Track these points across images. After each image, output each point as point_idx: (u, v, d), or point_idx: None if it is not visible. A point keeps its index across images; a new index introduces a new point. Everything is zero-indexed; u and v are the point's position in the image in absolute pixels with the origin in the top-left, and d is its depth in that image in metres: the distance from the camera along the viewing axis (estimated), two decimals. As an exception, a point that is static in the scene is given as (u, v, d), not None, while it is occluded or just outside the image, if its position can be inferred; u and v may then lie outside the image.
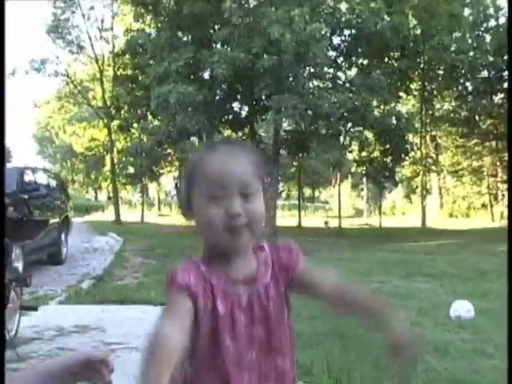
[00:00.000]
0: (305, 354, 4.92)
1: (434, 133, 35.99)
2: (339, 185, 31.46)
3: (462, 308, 7.08)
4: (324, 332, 6.14)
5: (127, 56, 28.62)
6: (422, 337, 6.03)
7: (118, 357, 5.14)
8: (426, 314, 7.48)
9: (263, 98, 23.15)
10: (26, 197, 10.65)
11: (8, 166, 12.73)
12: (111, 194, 40.62)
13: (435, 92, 31.58)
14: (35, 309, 6.18)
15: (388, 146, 25.69)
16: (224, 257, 1.59)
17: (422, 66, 28.16)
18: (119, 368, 5.10)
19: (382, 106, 26.02)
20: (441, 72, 28.94)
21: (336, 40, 25.61)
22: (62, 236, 14.02)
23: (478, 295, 8.77)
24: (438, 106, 34.40)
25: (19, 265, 6.22)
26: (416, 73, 28.80)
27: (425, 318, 7.26)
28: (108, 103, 30.99)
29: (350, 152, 26.72)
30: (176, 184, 44.54)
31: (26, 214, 10.70)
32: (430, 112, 32.95)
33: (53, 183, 14.77)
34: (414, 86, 30.42)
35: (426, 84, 30.17)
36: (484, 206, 38.36)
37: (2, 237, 1.12)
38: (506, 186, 30.70)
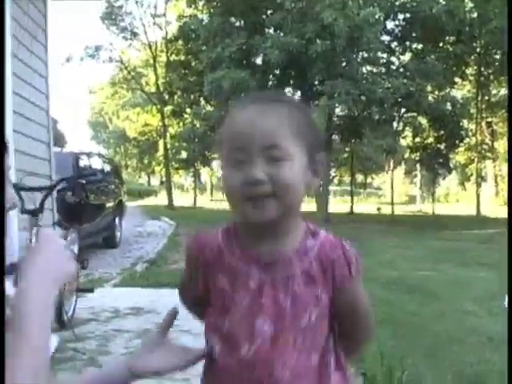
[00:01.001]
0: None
1: (489, 119, 35.24)
2: (392, 171, 31.13)
3: (507, 299, 6.96)
4: (378, 319, 6.11)
5: (180, 42, 28.86)
6: (476, 327, 5.97)
7: (172, 339, 5.24)
8: (480, 304, 7.39)
9: (316, 83, 23.05)
10: (84, 182, 10.86)
11: (64, 151, 13.03)
12: (164, 179, 41.11)
13: (491, 77, 30.81)
14: (91, 291, 6.32)
15: (442, 132, 25.29)
16: (251, 230, 1.38)
17: (478, 50, 27.52)
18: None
19: (436, 92, 25.59)
20: (497, 57, 28.19)
21: (390, 24, 25.30)
22: (117, 220, 14.28)
23: (534, 285, 8.62)
24: (494, 91, 33.62)
25: (74, 248, 6.33)
26: (472, 57, 28.17)
27: (479, 307, 7.17)
28: (161, 89, 31.31)
29: (404, 138, 26.44)
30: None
31: (83, 198, 10.94)
32: (486, 98, 32.23)
33: (107, 168, 15.04)
34: (469, 70, 29.79)
35: (482, 69, 29.49)
36: (541, 193, 37.42)
37: (2, 232, 1.17)
38: None
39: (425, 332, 5.66)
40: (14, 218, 4.93)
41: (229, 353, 1.39)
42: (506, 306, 7.09)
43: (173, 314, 1.57)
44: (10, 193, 1.39)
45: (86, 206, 11.37)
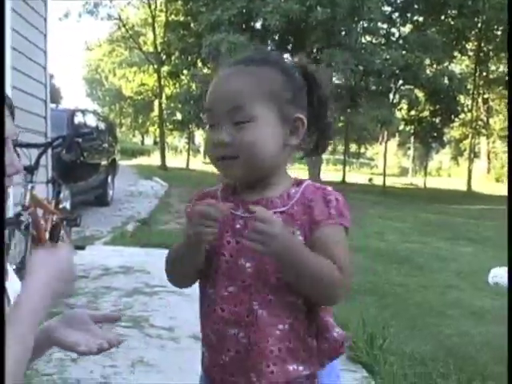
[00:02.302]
0: (340, 308, 5.02)
1: (486, 95, 35.23)
2: (386, 142, 31.16)
3: (502, 274, 7.09)
4: (361, 289, 6.22)
5: (180, 2, 28.54)
6: (459, 300, 6.10)
7: (161, 299, 5.34)
8: (465, 278, 7.52)
9: (314, 51, 22.91)
10: (80, 140, 10.86)
11: (59, 107, 13.00)
12: (158, 139, 40.97)
13: (491, 53, 30.74)
14: (83, 248, 6.40)
15: (438, 107, 25.29)
16: (243, 183, 1.47)
17: (479, 25, 27.41)
18: (161, 309, 5.30)
19: (434, 65, 25.51)
20: (499, 33, 28.09)
21: (392, -5, 25.11)
22: (109, 178, 14.31)
23: (519, 262, 8.74)
24: (492, 67, 33.53)
25: (67, 204, 6.40)
26: (472, 32, 28.07)
27: (463, 281, 7.31)
28: (159, 49, 31.06)
29: (399, 110, 26.40)
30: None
31: (79, 156, 10.96)
32: (484, 74, 32.20)
33: (102, 126, 15.01)
34: (469, 45, 29.71)
35: (483, 44, 29.41)
36: (533, 172, 37.62)
37: (2, 222, 1.18)
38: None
39: (408, 303, 5.77)
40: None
41: (215, 291, 1.45)
42: (490, 281, 7.24)
43: (114, 317, 1.63)
44: (15, 159, 1.40)
45: (81, 164, 11.39)
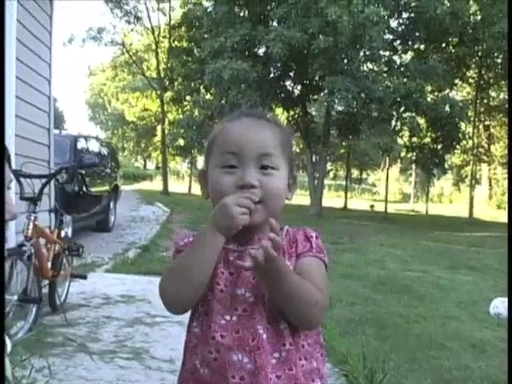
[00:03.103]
0: (341, 340, 5.04)
1: (487, 122, 35.35)
2: (388, 169, 31.23)
3: (502, 305, 7.06)
4: (363, 319, 6.23)
5: (183, 28, 28.81)
6: (459, 332, 6.09)
7: (162, 330, 5.34)
8: (465, 309, 7.50)
9: (317, 78, 23.04)
10: (83, 172, 10.94)
11: (62, 133, 13.11)
12: (160, 164, 41.08)
13: (492, 81, 30.88)
14: (85, 277, 6.41)
15: (439, 134, 25.30)
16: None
17: (479, 53, 27.56)
18: (163, 341, 5.30)
19: (436, 93, 25.64)
20: (499, 61, 28.25)
21: (393, 23, 25.26)
22: (111, 204, 14.37)
23: (521, 292, 8.72)
24: (493, 94, 33.70)
25: (68, 231, 6.43)
26: (473, 60, 28.22)
27: (464, 312, 7.29)
28: (162, 74, 31.27)
29: (401, 137, 26.45)
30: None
31: (81, 188, 11.01)
32: (485, 101, 32.34)
33: (104, 151, 15.12)
34: (470, 73, 29.86)
35: (483, 72, 29.57)
36: (534, 199, 37.63)
37: (3, 233, 1.21)
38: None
39: (408, 334, 5.76)
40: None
41: (210, 317, 1.50)
42: (491, 312, 7.22)
43: None
44: (12, 205, 1.41)
45: (84, 196, 11.46)
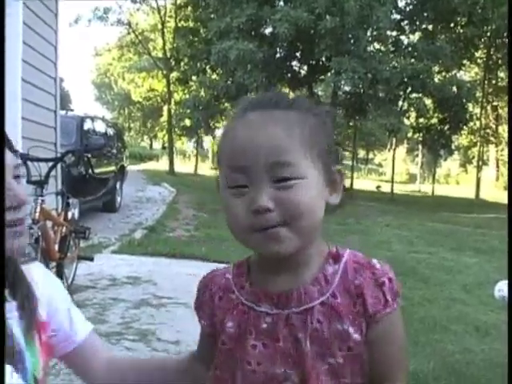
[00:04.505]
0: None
1: (495, 103, 35.17)
2: (394, 150, 31.14)
3: (507, 288, 7.08)
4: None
5: (189, 8, 28.64)
6: (464, 315, 6.12)
7: (168, 311, 5.39)
8: (471, 291, 7.54)
9: (323, 59, 22.95)
10: (89, 155, 10.97)
11: (68, 114, 13.14)
12: (166, 144, 41.09)
13: (500, 61, 30.69)
14: (91, 259, 6.46)
15: (447, 115, 25.21)
16: (265, 263, 1.17)
17: (488, 34, 27.38)
18: (169, 322, 5.35)
19: (443, 73, 25.51)
20: (508, 41, 28.10)
21: (401, 3, 25.13)
22: (118, 185, 14.42)
23: (526, 274, 8.74)
24: (501, 75, 33.48)
25: (75, 212, 6.45)
26: (482, 40, 28.06)
27: (469, 295, 7.32)
28: (168, 54, 31.15)
29: (408, 118, 26.35)
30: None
31: (88, 172, 11.04)
32: (493, 82, 32.16)
33: (110, 132, 15.15)
34: (478, 53, 29.68)
35: (492, 53, 29.38)
36: (542, 180, 37.59)
37: (3, 234, 1.19)
38: None
39: (413, 318, 5.79)
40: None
41: None
42: (496, 294, 7.24)
43: None
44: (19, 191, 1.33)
45: (90, 179, 11.49)
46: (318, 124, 1.14)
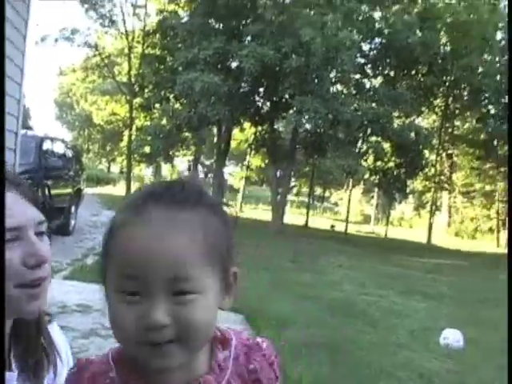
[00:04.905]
0: (295, 364, 5.11)
1: (450, 151, 36.00)
2: (351, 190, 31.56)
3: (452, 337, 7.24)
4: (317, 343, 6.31)
5: (157, 36, 28.80)
6: (409, 361, 6.22)
7: (116, 343, 5.35)
8: (417, 337, 7.66)
9: (286, 96, 23.31)
10: (49, 183, 10.84)
11: (28, 133, 13.02)
12: (124, 169, 40.89)
13: (457, 111, 31.59)
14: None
15: (403, 159, 25.76)
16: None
17: (447, 84, 28.17)
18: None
19: (402, 119, 26.10)
20: (466, 92, 28.95)
21: (366, 47, 25.72)
22: (73, 208, 14.28)
23: (473, 323, 8.92)
24: (457, 123, 34.34)
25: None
26: (441, 89, 28.83)
27: (415, 341, 7.43)
28: (133, 80, 31.18)
29: (366, 160, 26.80)
30: (189, 167, 44.80)
31: (46, 200, 10.90)
32: (450, 130, 32.99)
33: (69, 153, 15.08)
34: (437, 102, 30.46)
35: (450, 102, 30.20)
36: (491, 230, 38.49)
37: (3, 236, 1.18)
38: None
39: (360, 362, 5.87)
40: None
41: None
42: (441, 342, 7.38)
43: None
44: (39, 249, 1.27)
45: (48, 208, 11.36)
46: (220, 225, 1.06)
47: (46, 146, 13.02)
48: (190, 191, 1.06)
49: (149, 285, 0.96)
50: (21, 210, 1.25)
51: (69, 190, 13.97)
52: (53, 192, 12.07)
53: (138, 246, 0.96)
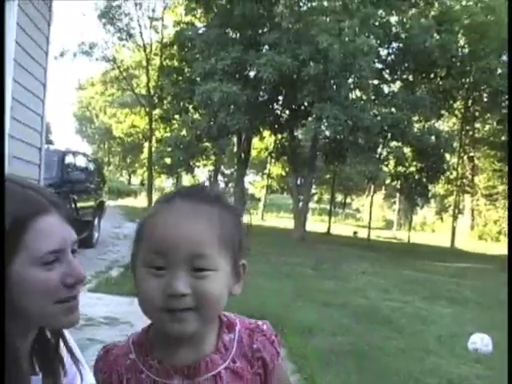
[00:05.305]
0: (323, 372, 5.11)
1: (471, 154, 35.77)
2: (372, 196, 31.43)
3: (481, 341, 7.18)
4: (344, 350, 6.30)
5: (175, 48, 28.93)
6: (437, 367, 6.17)
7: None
8: (445, 343, 7.59)
9: (305, 104, 23.29)
10: (75, 197, 10.91)
11: (50, 148, 13.17)
12: (145, 181, 41.10)
13: (477, 114, 31.38)
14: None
15: (424, 164, 25.61)
16: (167, 340, 1.24)
17: (466, 86, 27.98)
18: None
19: (422, 123, 25.98)
20: (485, 94, 28.75)
21: (383, 52, 25.67)
22: (96, 220, 14.39)
23: (499, 327, 8.82)
24: (478, 125, 34.11)
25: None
26: (460, 92, 28.66)
27: (443, 346, 7.38)
28: (151, 92, 31.38)
29: (386, 165, 26.70)
30: (210, 176, 44.89)
31: (72, 214, 11.02)
32: (471, 133, 32.78)
33: (91, 167, 15.20)
34: (456, 105, 30.28)
35: (469, 105, 30.01)
36: (516, 231, 38.09)
37: (3, 236, 1.20)
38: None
39: (387, 369, 5.84)
40: None
41: None
42: (470, 347, 7.32)
43: None
44: (73, 269, 1.34)
45: (75, 222, 11.44)
46: (235, 222, 1.27)
47: (68, 159, 13.17)
48: (210, 191, 1.30)
49: (173, 260, 1.17)
50: (62, 233, 1.34)
51: (92, 203, 14.09)
52: (77, 205, 12.20)
53: (166, 228, 1.19)
